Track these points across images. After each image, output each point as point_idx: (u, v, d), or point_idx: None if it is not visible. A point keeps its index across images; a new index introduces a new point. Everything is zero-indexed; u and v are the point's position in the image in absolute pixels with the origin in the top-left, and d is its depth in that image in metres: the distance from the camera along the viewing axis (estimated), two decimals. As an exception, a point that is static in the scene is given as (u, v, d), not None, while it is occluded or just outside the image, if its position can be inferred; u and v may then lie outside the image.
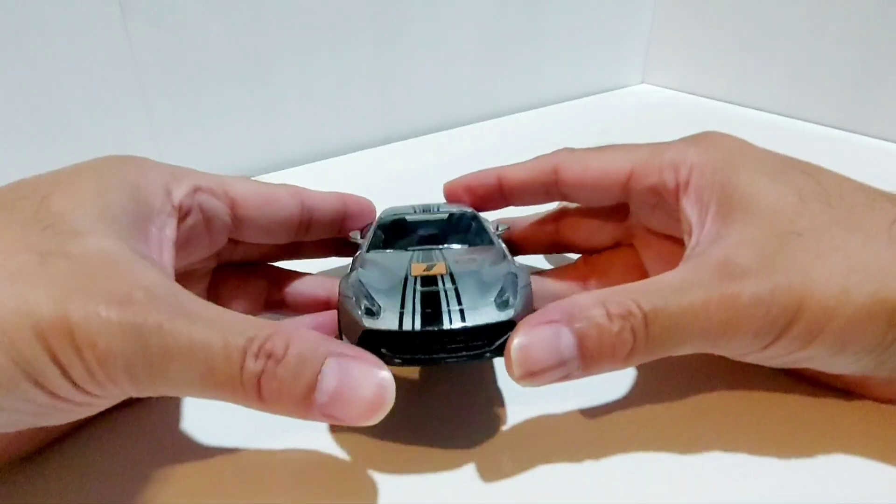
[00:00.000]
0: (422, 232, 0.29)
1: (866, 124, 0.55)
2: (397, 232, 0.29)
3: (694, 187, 0.26)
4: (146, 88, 0.45)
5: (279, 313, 0.31)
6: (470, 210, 0.29)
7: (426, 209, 0.30)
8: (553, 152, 0.30)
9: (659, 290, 0.22)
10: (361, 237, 0.29)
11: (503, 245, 0.27)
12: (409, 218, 0.29)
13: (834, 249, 0.22)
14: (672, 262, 0.26)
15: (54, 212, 0.21)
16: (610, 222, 0.32)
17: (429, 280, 0.23)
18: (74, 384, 0.19)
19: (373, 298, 0.22)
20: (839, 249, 0.22)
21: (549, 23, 0.62)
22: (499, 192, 0.31)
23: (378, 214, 0.30)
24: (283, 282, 0.31)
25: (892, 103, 0.53)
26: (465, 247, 0.27)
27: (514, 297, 0.22)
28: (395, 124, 0.56)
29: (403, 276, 0.23)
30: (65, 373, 0.18)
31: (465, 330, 0.21)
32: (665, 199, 0.28)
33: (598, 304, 0.22)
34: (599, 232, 0.33)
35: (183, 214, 0.25)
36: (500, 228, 0.29)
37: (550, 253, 0.36)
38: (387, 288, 0.23)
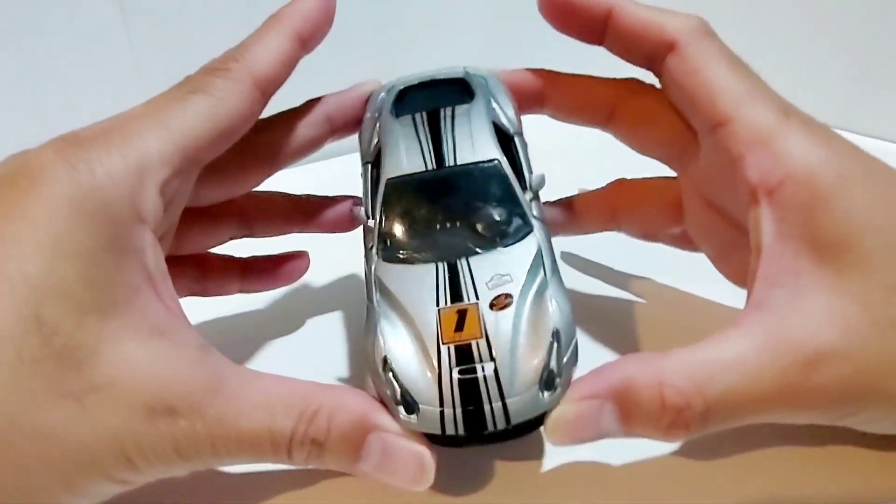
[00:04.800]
0: (440, 202, 0.25)
1: (865, 124, 0.55)
2: (410, 206, 0.25)
3: (780, 202, 0.22)
4: (147, 90, 0.45)
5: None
6: (494, 160, 0.25)
7: (436, 82, 0.28)
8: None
9: (727, 371, 0.21)
10: (368, 216, 0.25)
11: (534, 221, 0.24)
12: (421, 180, 0.25)
13: None
14: (715, 233, 0.26)
15: (52, 324, 0.19)
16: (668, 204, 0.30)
17: (463, 354, 0.21)
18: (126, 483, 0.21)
19: (407, 391, 0.22)
20: None
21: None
22: (600, 30, 0.28)
23: (382, 94, 0.28)
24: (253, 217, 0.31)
25: (892, 103, 0.53)
26: (495, 251, 0.24)
27: (561, 369, 0.22)
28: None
29: (436, 346, 0.22)
30: (119, 482, 0.21)
31: (509, 430, 0.21)
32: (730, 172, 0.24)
33: (654, 383, 0.21)
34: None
35: (161, 229, 0.23)
36: (533, 185, 0.25)
37: (606, 230, 0.33)
38: (419, 371, 0.22)
